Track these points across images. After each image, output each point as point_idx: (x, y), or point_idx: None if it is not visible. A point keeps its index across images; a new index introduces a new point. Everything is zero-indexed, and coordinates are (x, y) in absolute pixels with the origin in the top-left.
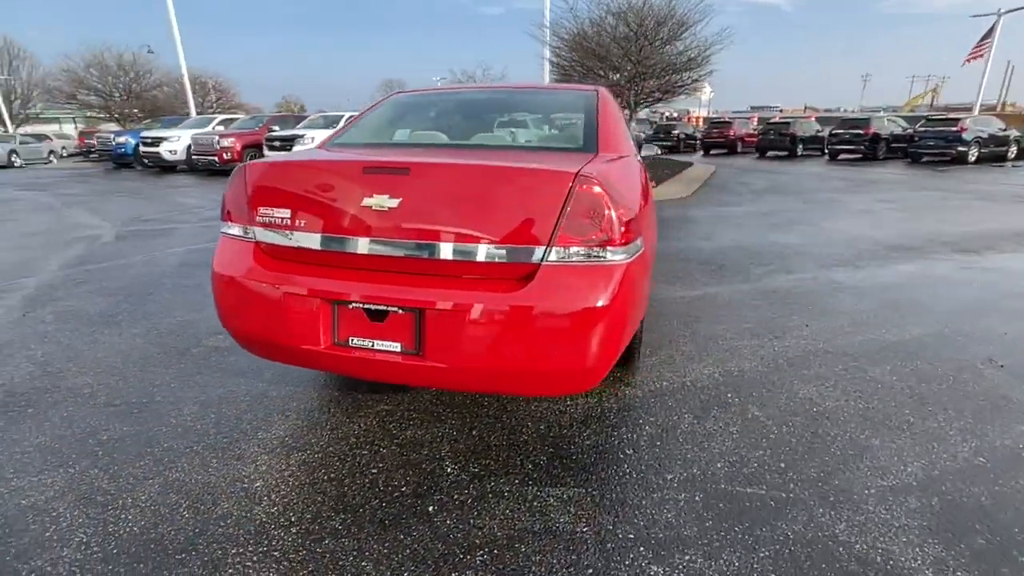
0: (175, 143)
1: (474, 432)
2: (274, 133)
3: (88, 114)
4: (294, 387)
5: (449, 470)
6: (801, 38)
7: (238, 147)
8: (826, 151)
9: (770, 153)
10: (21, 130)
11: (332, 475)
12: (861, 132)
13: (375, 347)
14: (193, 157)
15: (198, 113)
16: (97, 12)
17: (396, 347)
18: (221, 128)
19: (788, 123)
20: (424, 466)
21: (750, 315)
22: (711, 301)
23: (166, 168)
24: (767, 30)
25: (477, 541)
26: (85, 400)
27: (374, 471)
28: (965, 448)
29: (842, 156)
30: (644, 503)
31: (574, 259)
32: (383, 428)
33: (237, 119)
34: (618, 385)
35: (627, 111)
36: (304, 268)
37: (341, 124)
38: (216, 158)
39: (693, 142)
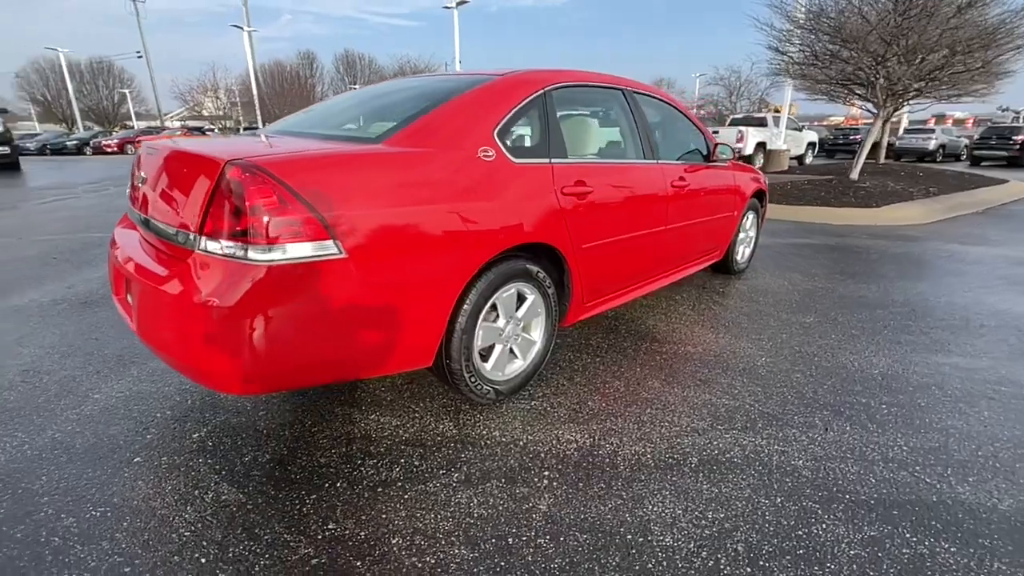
0: None
1: (261, 414)
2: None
3: None
4: None
5: (194, 435)
6: None
7: None
8: None
9: None
10: None
11: (127, 408)
12: None
13: (132, 303)
14: None
15: None
16: (417, 33)
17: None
18: None
19: None
20: (187, 426)
21: (757, 391)
22: (730, 358)
23: None
24: None
25: (115, 502)
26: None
27: (156, 415)
28: None
29: None
30: (254, 547)
31: (219, 251)
32: None
33: None
34: (444, 419)
35: (862, 106)
36: (130, 228)
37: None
38: None
39: None
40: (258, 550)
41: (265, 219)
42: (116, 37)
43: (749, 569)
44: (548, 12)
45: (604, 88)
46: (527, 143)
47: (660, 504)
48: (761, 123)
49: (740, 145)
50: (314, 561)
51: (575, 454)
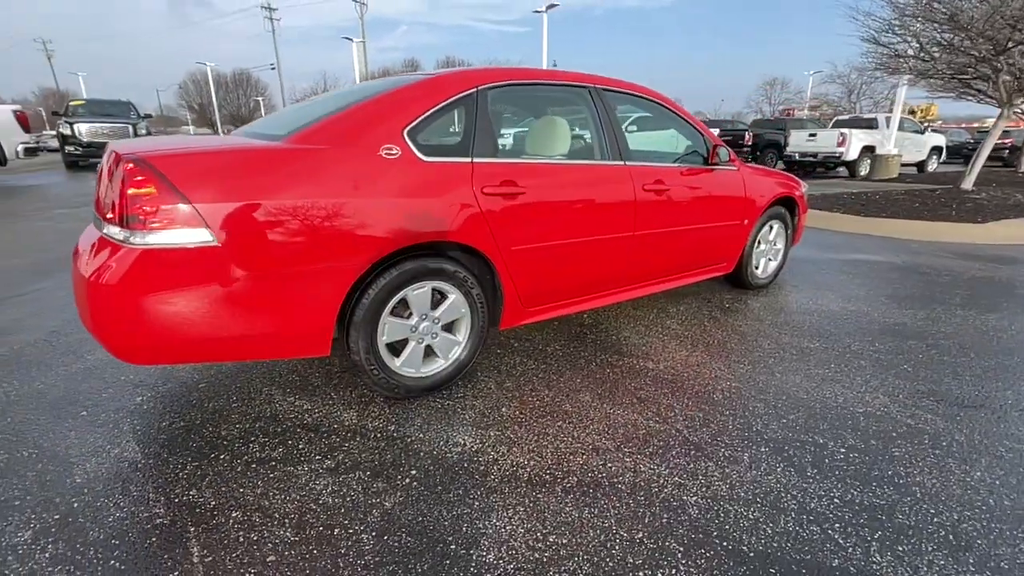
0: None
1: (202, 387)
2: None
3: None
4: None
5: (136, 399)
6: None
7: None
8: None
9: None
10: None
11: (103, 370)
12: None
13: None
14: None
15: None
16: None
17: None
18: None
19: None
20: (137, 390)
21: (695, 417)
22: (689, 379)
23: None
24: None
25: (43, 445)
26: None
27: (120, 379)
28: None
29: None
30: (120, 500)
31: (115, 235)
32: None
33: None
34: (351, 409)
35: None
36: None
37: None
38: None
39: None
40: (121, 503)
41: (144, 207)
42: (257, 52)
43: None
44: (657, 12)
45: (561, 86)
46: (446, 141)
47: (506, 520)
48: (870, 125)
49: (841, 149)
50: (158, 520)
51: (453, 457)
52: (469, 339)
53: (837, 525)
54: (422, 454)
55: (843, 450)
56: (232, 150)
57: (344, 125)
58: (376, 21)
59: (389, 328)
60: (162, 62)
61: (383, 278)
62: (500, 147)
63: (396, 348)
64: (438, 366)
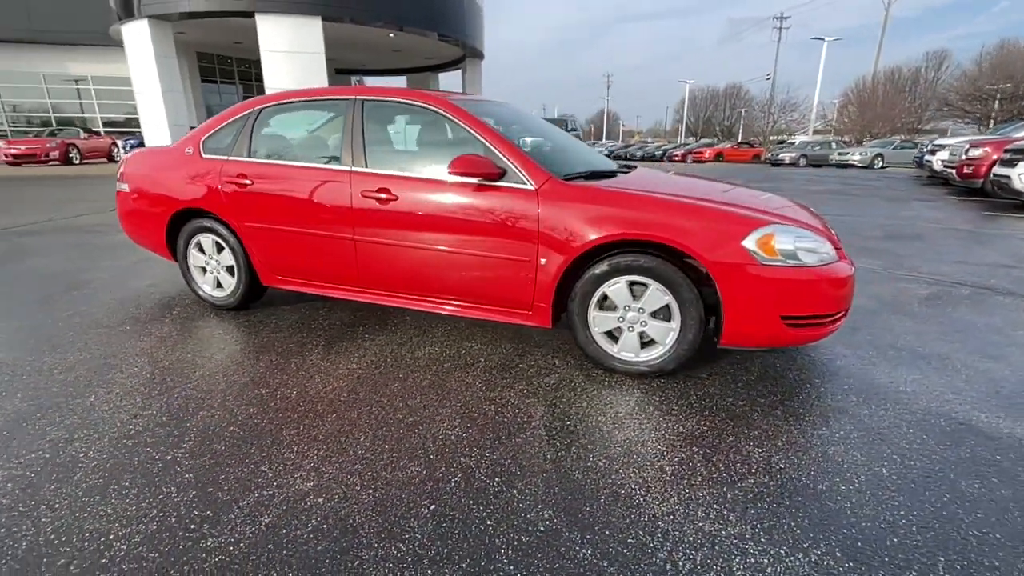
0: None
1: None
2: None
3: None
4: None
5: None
6: None
7: (991, 158)
8: None
9: None
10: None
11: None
12: None
13: None
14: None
15: None
16: None
17: None
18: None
19: None
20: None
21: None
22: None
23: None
24: None
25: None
26: None
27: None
28: None
29: None
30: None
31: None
32: None
33: None
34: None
35: None
36: None
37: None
38: (955, 171)
39: None
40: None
41: (121, 172)
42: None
43: None
44: None
45: (327, 100)
46: (220, 145)
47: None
48: None
49: None
50: (106, 323)
51: (150, 342)
52: (238, 281)
53: None
54: (154, 349)
55: None
56: (144, 149)
57: (188, 135)
58: (962, 3)
59: (193, 258)
60: (706, 79)
61: (188, 226)
62: (269, 150)
63: (205, 271)
64: (223, 293)
